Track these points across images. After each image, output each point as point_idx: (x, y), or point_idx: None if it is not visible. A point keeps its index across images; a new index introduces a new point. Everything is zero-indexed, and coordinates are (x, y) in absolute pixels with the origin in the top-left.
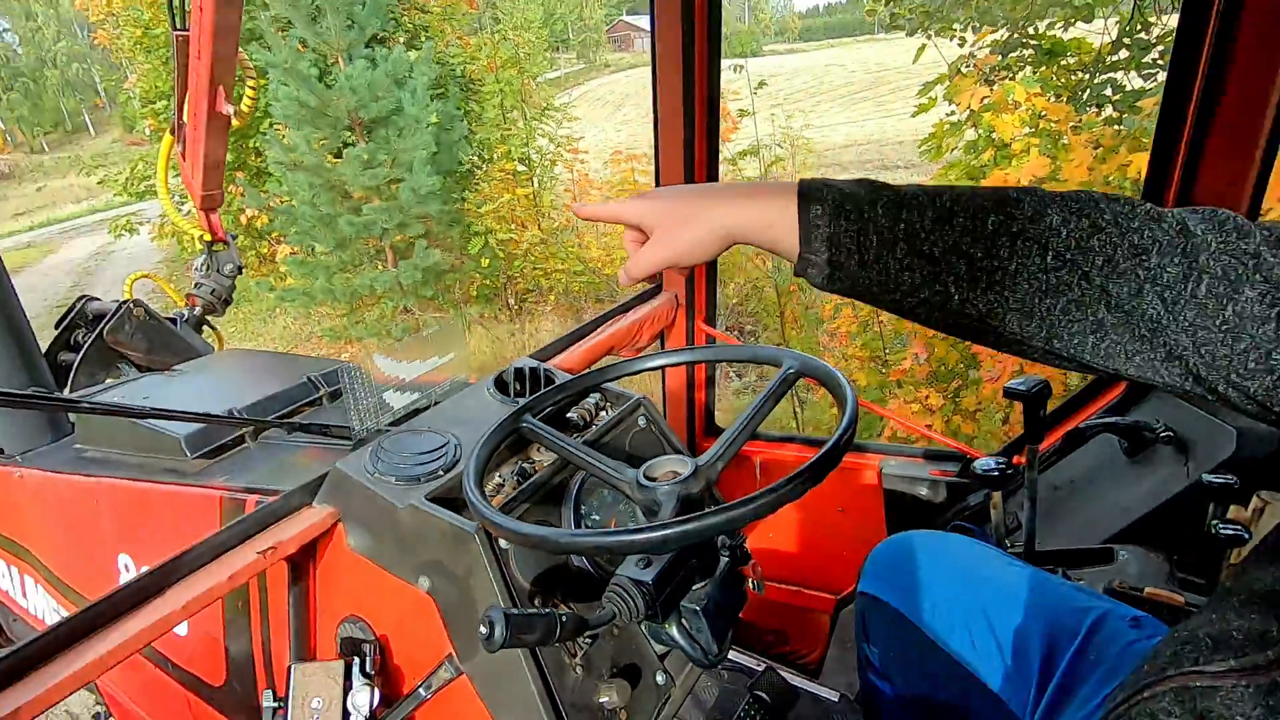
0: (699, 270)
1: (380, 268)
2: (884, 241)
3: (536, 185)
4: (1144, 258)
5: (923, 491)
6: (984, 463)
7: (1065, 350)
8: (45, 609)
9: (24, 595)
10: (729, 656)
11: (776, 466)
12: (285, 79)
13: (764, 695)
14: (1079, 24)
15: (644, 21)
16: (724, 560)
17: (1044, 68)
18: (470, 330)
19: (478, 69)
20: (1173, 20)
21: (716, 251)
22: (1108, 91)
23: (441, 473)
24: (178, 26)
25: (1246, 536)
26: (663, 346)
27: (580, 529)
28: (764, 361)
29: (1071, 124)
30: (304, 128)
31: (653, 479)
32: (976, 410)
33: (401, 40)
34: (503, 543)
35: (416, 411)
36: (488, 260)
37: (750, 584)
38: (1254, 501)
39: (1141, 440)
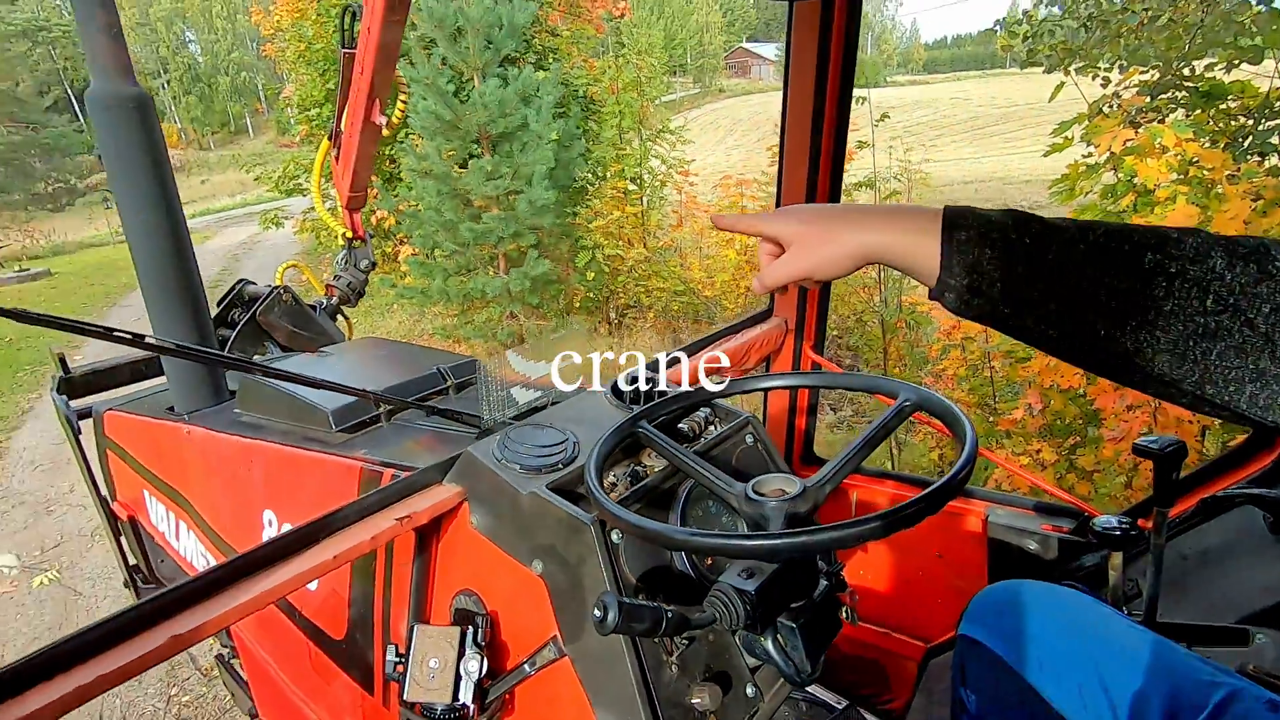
0: (811, 296)
1: (493, 273)
2: (1031, 271)
3: (645, 205)
4: None
5: (1031, 545)
6: (1105, 520)
7: (1219, 397)
8: (194, 552)
9: (176, 538)
10: (811, 691)
11: (873, 504)
12: (425, 93)
13: None
14: (1243, 65)
15: (763, 49)
16: (823, 584)
17: (1199, 111)
18: None
19: (599, 90)
20: None
21: (851, 269)
22: (1274, 140)
23: (561, 466)
24: (346, 45)
25: None
26: (768, 370)
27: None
28: (880, 392)
29: (1228, 173)
30: (437, 139)
31: (761, 494)
32: (1094, 471)
33: (531, 61)
34: (614, 536)
35: (538, 408)
36: (593, 274)
37: (844, 613)
38: None
39: None
